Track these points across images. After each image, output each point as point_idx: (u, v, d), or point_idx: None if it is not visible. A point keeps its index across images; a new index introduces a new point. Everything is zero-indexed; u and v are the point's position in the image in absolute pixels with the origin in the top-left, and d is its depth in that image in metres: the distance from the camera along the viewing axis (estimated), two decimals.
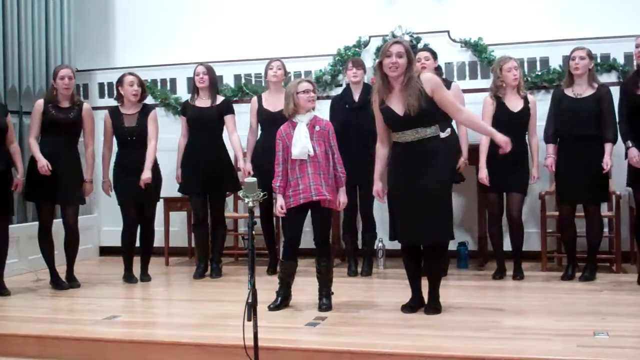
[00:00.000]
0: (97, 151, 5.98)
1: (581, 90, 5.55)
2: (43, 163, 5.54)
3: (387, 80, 4.45)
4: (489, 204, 5.92)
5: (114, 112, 5.97)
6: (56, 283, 5.77)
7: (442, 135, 4.62)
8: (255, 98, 6.32)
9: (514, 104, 5.75)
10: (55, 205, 5.86)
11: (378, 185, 4.65)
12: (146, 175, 5.77)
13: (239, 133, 6.19)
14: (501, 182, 5.72)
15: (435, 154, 4.44)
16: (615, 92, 5.59)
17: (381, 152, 4.64)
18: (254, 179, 3.78)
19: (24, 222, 6.47)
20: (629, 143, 5.27)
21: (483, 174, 5.69)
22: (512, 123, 5.66)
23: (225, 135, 6.21)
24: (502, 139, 4.51)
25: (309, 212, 4.80)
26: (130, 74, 5.96)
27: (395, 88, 4.44)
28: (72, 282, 5.81)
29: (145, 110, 6.00)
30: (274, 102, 6.06)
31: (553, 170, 5.69)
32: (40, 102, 5.75)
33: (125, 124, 5.91)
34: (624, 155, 5.41)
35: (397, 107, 4.42)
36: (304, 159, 4.70)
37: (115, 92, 6.09)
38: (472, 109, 6.03)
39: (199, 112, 6.10)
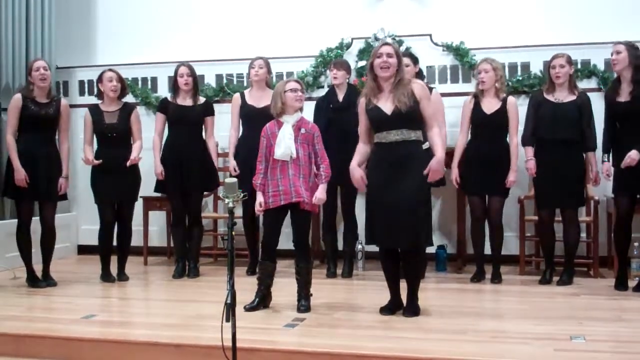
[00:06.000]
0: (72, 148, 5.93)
1: (562, 96, 5.57)
2: (22, 176, 5.51)
3: (377, 81, 4.52)
4: (471, 207, 5.94)
5: (94, 109, 5.93)
6: (33, 281, 5.72)
7: (424, 146, 4.64)
8: (237, 95, 6.28)
9: (490, 106, 5.78)
10: (35, 202, 5.79)
11: (358, 173, 4.59)
12: (134, 155, 5.79)
13: (220, 132, 6.17)
14: (482, 185, 5.76)
15: (417, 159, 4.47)
16: (596, 98, 5.63)
17: (363, 149, 4.65)
18: (234, 180, 3.79)
19: (1, 219, 6.40)
20: (605, 157, 5.38)
21: (454, 174, 5.74)
22: (486, 125, 5.75)
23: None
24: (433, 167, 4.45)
25: (288, 214, 4.79)
26: (110, 70, 5.93)
27: (385, 89, 4.50)
28: (48, 280, 5.75)
29: (127, 108, 5.97)
30: (257, 99, 6.08)
31: (534, 173, 5.64)
32: (18, 97, 5.67)
33: (106, 120, 5.86)
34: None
35: (386, 106, 4.46)
36: (286, 160, 4.69)
37: (95, 89, 6.05)
38: (453, 113, 6.15)
39: (182, 111, 6.06)
